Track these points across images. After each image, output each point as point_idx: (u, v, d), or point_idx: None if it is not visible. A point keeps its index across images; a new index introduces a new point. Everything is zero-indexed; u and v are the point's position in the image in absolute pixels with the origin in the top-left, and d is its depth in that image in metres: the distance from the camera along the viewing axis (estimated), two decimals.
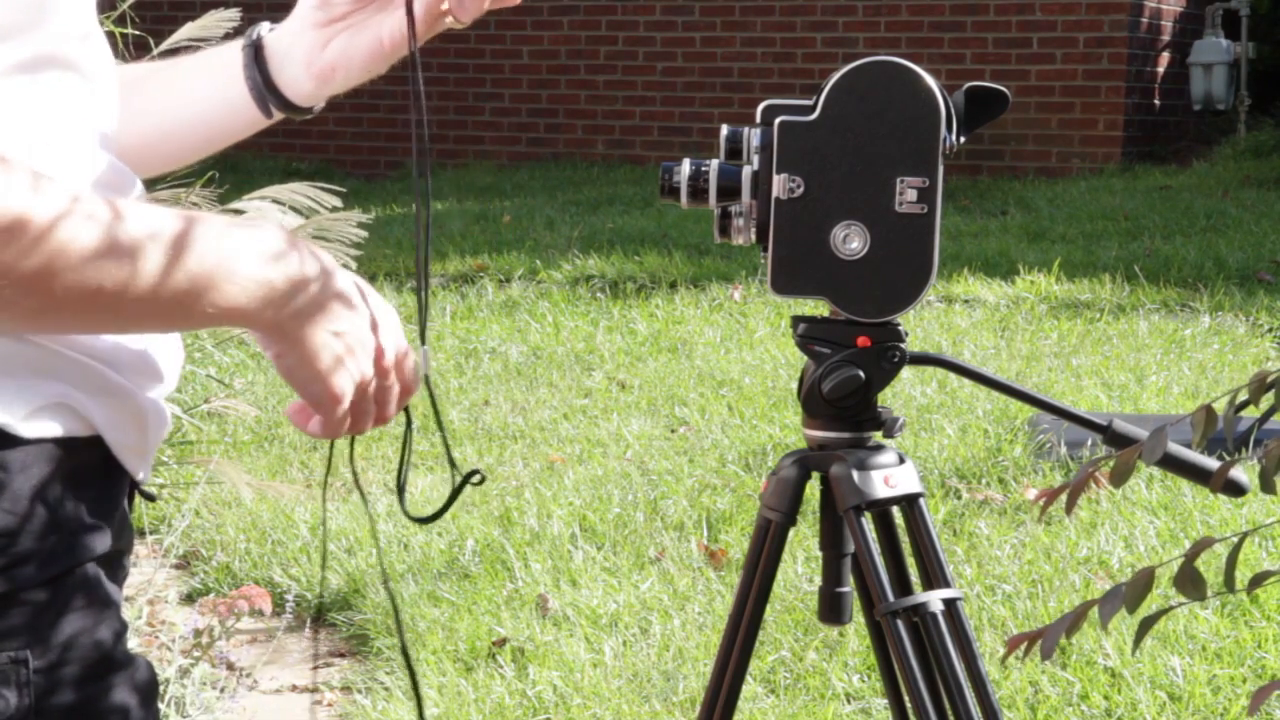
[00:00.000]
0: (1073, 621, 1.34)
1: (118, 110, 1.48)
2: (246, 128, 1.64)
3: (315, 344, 1.34)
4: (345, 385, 1.36)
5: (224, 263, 1.26)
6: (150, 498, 1.46)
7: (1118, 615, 3.67)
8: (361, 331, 1.36)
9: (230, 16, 3.91)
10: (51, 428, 1.29)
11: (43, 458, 1.28)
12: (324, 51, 1.58)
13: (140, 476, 1.38)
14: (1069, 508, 1.37)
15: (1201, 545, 1.32)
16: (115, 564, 1.37)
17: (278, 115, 1.63)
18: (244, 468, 4.85)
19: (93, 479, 1.33)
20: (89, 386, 1.31)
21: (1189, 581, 1.32)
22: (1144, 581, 1.31)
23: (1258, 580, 1.34)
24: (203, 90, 1.63)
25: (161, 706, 3.39)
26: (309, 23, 1.59)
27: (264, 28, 1.62)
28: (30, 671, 1.27)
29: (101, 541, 1.33)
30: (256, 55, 1.60)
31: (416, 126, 1.49)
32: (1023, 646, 1.39)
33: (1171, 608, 1.39)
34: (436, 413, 1.53)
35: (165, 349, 1.41)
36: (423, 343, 1.49)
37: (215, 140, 1.65)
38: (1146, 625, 1.35)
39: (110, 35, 3.91)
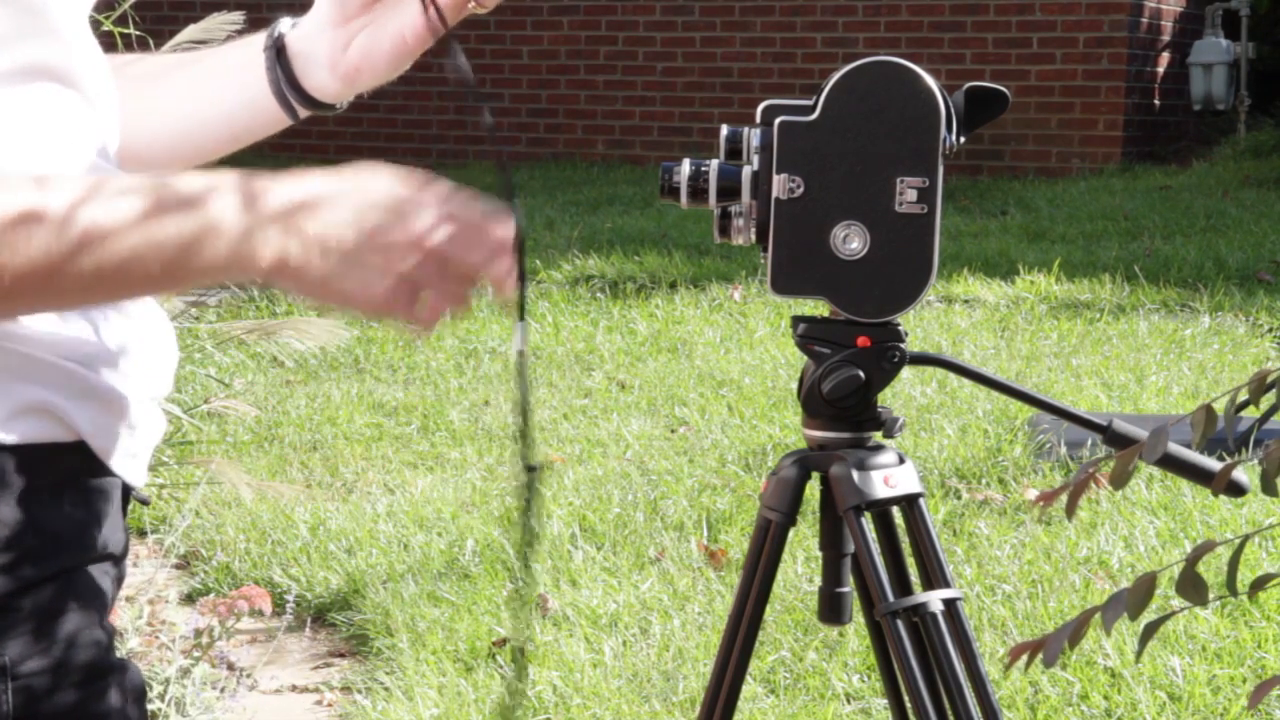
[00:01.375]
0: (1076, 629, 1.34)
1: (124, 114, 1.46)
2: (271, 125, 1.60)
3: (321, 271, 1.26)
4: (373, 286, 1.28)
5: (208, 220, 1.22)
6: (144, 501, 1.45)
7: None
8: (371, 225, 1.27)
9: (233, 19, 3.90)
10: (32, 432, 1.27)
11: (27, 461, 1.27)
12: (347, 52, 1.53)
13: (133, 480, 1.37)
14: (1070, 510, 1.37)
15: (1202, 550, 1.32)
16: (109, 567, 1.36)
17: (304, 113, 1.58)
18: (244, 468, 4.85)
19: (81, 483, 1.31)
20: (71, 391, 1.29)
21: (1190, 586, 1.32)
22: (1145, 588, 1.31)
23: (1259, 584, 1.34)
24: (226, 90, 1.58)
25: (162, 706, 3.39)
26: (327, 21, 1.53)
27: (285, 24, 1.56)
28: (10, 678, 1.26)
29: (93, 545, 1.32)
30: (279, 56, 1.55)
31: (476, 100, 1.40)
32: (1025, 656, 1.38)
33: (1173, 613, 1.39)
34: (524, 395, 1.42)
35: (157, 351, 1.40)
36: (521, 318, 1.41)
37: (240, 139, 1.61)
38: (1150, 631, 1.35)
39: (110, 35, 3.92)
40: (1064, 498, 1.38)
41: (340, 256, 1.26)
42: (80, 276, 1.20)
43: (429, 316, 1.31)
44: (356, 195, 1.27)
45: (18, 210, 1.18)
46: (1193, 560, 1.33)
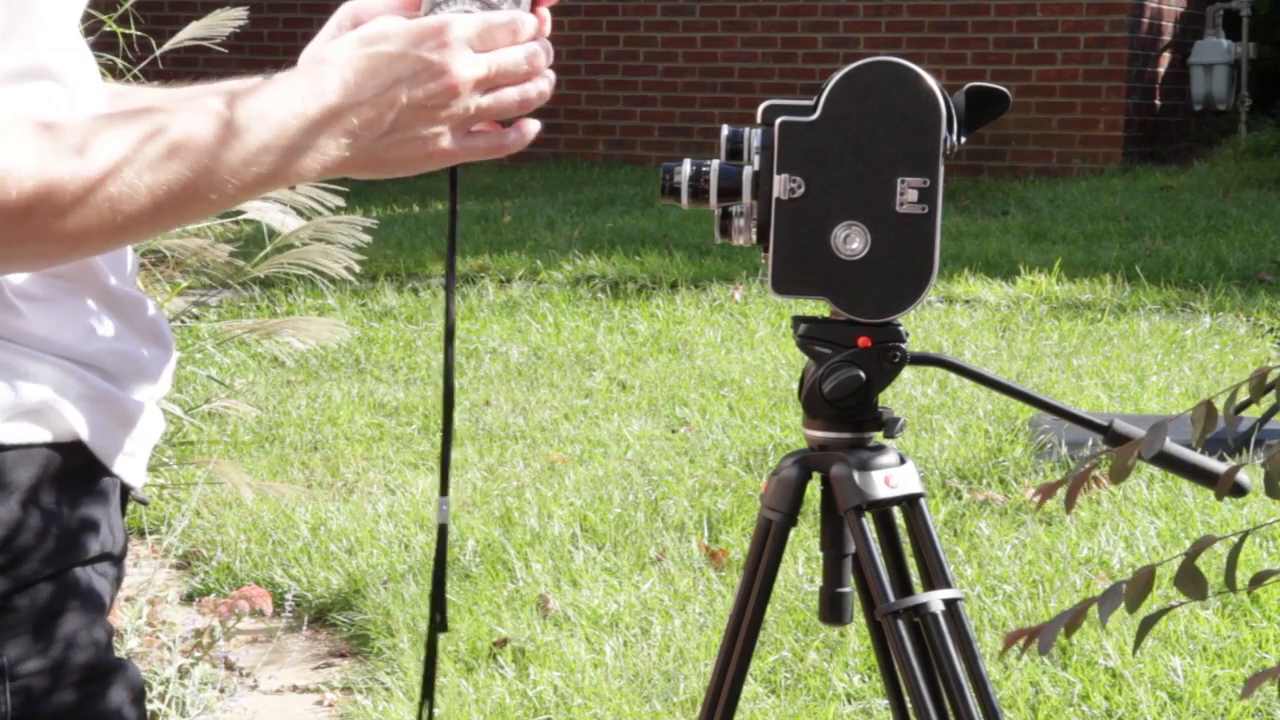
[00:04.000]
0: (1072, 618, 1.34)
1: None
2: None
3: (379, 155, 1.29)
4: (438, 147, 1.30)
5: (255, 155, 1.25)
6: (143, 502, 1.45)
7: (1119, 616, 3.68)
8: (413, 86, 1.29)
9: (234, 15, 3.90)
10: (32, 432, 1.27)
11: (26, 462, 1.27)
12: None
13: (132, 480, 1.37)
14: (1069, 503, 1.37)
15: (1202, 544, 1.32)
16: (108, 567, 1.36)
17: None
18: (244, 468, 4.85)
19: (80, 483, 1.31)
20: (70, 391, 1.29)
21: (1189, 580, 1.32)
22: (1144, 580, 1.31)
23: (1258, 580, 1.34)
24: None
25: (162, 706, 3.39)
26: None
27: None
28: (9, 679, 1.26)
29: (92, 545, 1.32)
30: None
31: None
32: (1020, 642, 1.39)
33: (1172, 607, 1.39)
34: (440, 563, 1.43)
35: (156, 352, 1.40)
36: (443, 493, 1.42)
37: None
38: (1147, 625, 1.35)
39: (112, 35, 3.92)
40: (1062, 492, 1.38)
41: (378, 137, 1.28)
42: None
43: (502, 137, 1.33)
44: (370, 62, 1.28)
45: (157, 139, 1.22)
46: (1192, 555, 1.33)
